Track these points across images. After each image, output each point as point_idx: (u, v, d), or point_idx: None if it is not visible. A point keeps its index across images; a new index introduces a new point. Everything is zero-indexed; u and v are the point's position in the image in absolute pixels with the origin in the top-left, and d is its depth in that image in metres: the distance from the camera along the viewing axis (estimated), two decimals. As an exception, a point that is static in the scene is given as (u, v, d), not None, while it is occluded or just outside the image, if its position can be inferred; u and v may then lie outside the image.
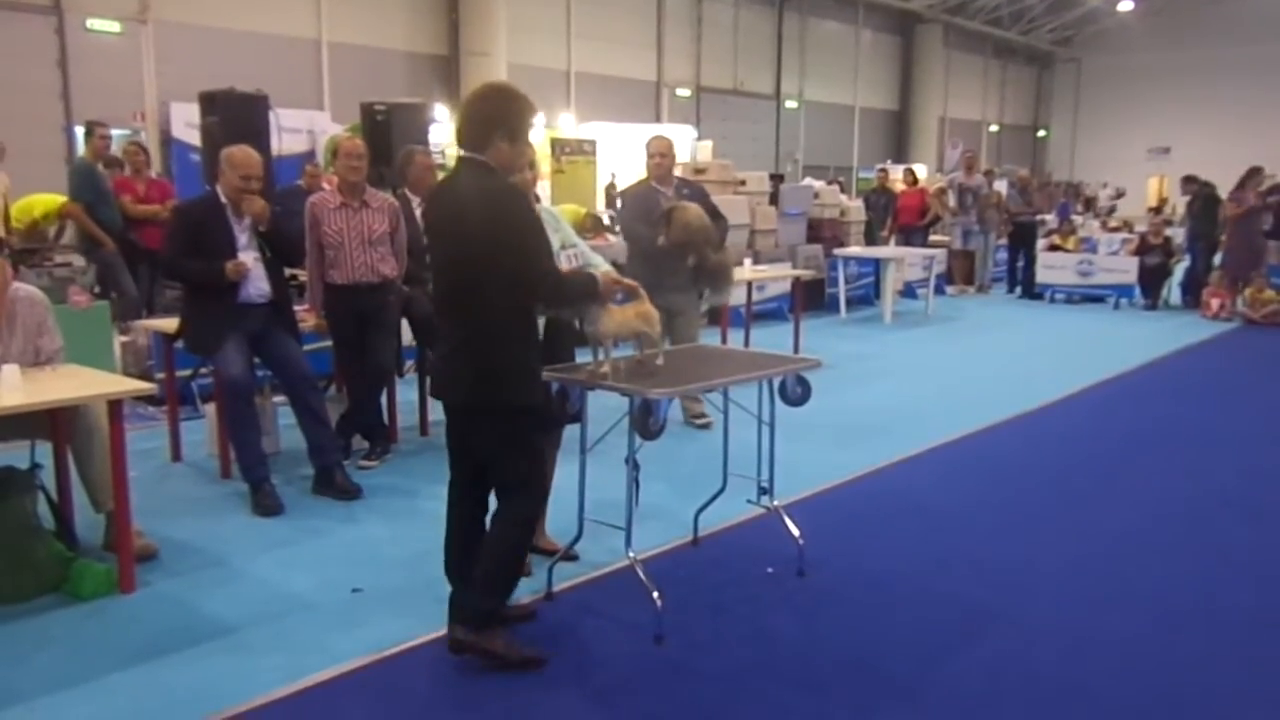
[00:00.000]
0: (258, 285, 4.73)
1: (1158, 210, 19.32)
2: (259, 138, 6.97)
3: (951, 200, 13.72)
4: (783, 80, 26.74)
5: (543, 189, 12.68)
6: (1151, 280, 12.31)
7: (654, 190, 6.00)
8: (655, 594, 3.39)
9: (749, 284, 8.69)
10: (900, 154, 29.37)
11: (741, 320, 8.73)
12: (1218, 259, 12.16)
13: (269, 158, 6.83)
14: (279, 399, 5.42)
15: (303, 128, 11.20)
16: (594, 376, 3.41)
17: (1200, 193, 12.20)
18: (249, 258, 4.68)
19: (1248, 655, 3.39)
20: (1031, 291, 13.14)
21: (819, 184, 14.19)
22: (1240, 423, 6.81)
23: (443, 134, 12.58)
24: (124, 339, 6.71)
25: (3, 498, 3.68)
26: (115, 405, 3.72)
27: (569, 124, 17.95)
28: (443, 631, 3.38)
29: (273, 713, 2.94)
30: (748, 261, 9.25)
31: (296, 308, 5.17)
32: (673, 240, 5.29)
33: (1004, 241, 13.85)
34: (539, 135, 11.58)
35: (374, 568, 3.98)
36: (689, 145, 16.92)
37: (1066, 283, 12.87)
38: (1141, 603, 3.79)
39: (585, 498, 3.67)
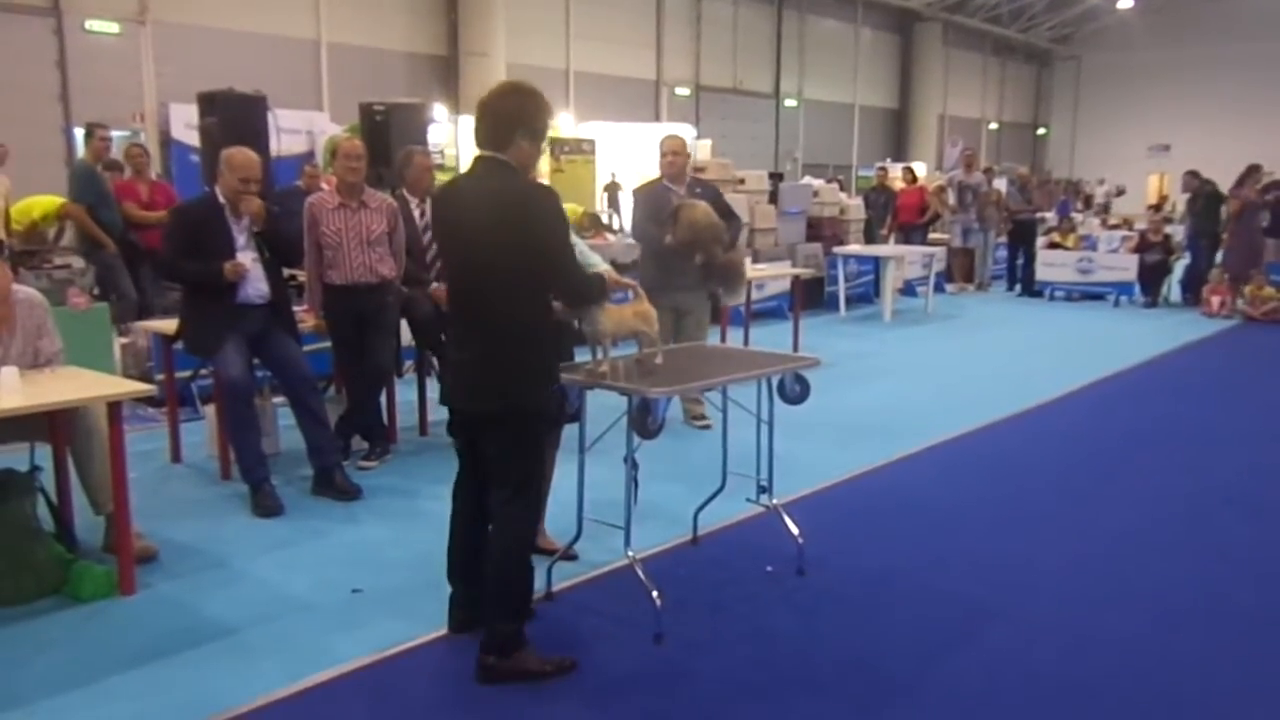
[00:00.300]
0: (256, 286, 4.73)
1: (1158, 208, 19.30)
2: (258, 138, 6.97)
3: (951, 198, 13.72)
4: (782, 79, 26.72)
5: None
6: (1151, 278, 12.31)
7: (666, 189, 5.99)
8: (654, 593, 3.39)
9: (748, 282, 8.68)
10: (900, 152, 29.36)
11: (741, 319, 8.73)
12: (1219, 256, 12.15)
13: (268, 158, 6.82)
14: (278, 400, 5.42)
15: (301, 128, 11.19)
16: (593, 375, 3.41)
17: (1203, 190, 12.19)
18: (247, 258, 4.68)
19: (1248, 653, 3.40)
20: (1031, 289, 13.13)
21: (818, 182, 14.19)
22: (1241, 420, 6.81)
23: (441, 134, 12.59)
24: (123, 340, 6.71)
25: (2, 500, 3.68)
26: (115, 407, 3.73)
27: (568, 123, 17.95)
28: (444, 631, 3.39)
29: (273, 714, 2.94)
30: (747, 260, 9.24)
31: (295, 308, 5.17)
32: (679, 239, 5.28)
33: (1003, 239, 13.85)
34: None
35: (374, 568, 3.98)
36: (689, 144, 16.90)
37: (1066, 280, 12.87)
38: (1141, 601, 3.79)
39: (584, 497, 3.68)
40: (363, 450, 5.37)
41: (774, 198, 11.95)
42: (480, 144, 3.08)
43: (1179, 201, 17.61)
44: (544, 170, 14.00)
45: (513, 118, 3.05)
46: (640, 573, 3.44)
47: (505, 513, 3.12)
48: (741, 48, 25.35)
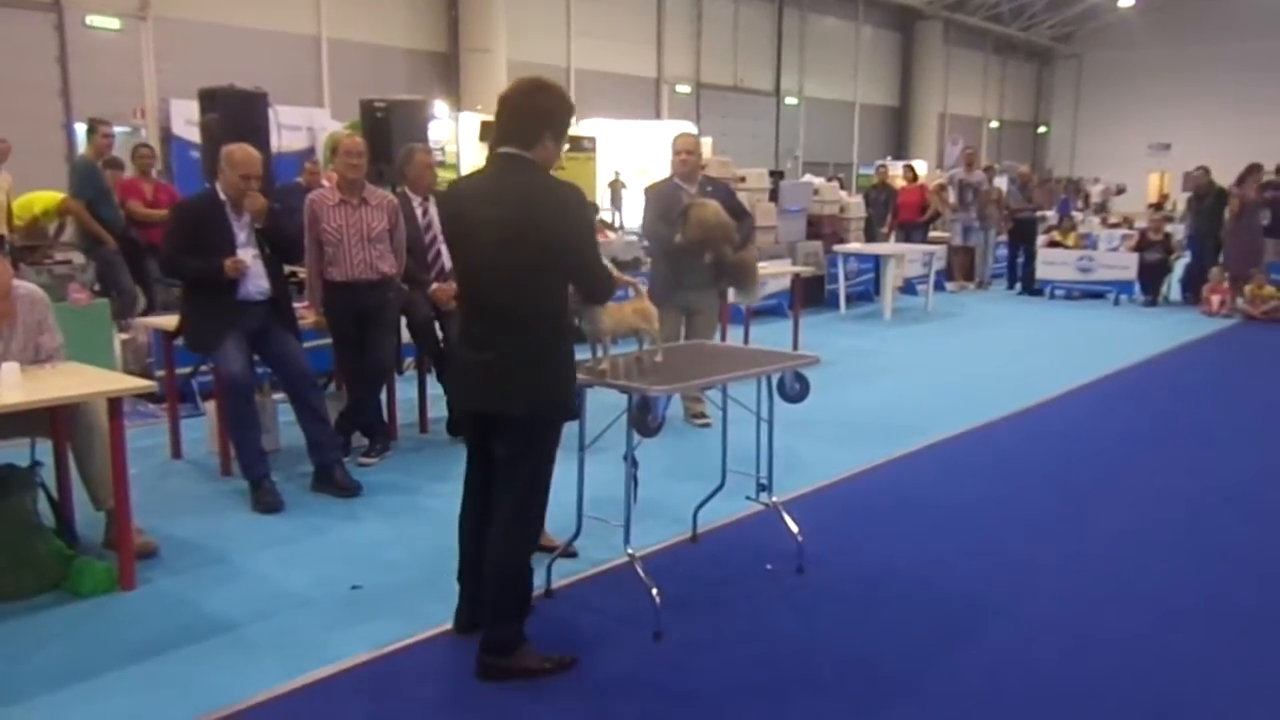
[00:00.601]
0: (257, 283, 4.73)
1: (1158, 206, 19.28)
2: (258, 135, 6.96)
3: (951, 196, 13.72)
4: (782, 76, 26.71)
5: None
6: (1151, 276, 12.31)
7: (677, 188, 5.97)
8: (654, 591, 3.40)
9: (761, 281, 8.68)
10: (900, 150, 29.35)
11: (741, 317, 8.73)
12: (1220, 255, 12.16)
13: (268, 155, 6.82)
14: (279, 396, 5.42)
15: (302, 125, 11.18)
16: (593, 373, 3.41)
17: (1211, 188, 12.16)
18: (248, 255, 4.68)
19: (1248, 653, 3.40)
20: (1031, 288, 13.13)
21: (819, 180, 14.18)
22: (1241, 419, 6.81)
23: (442, 131, 12.57)
24: (124, 336, 6.71)
25: (3, 495, 3.68)
26: (115, 403, 3.73)
27: (568, 121, 17.91)
28: (443, 628, 3.40)
29: (272, 710, 2.95)
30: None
31: (296, 305, 5.18)
32: (689, 238, 5.27)
33: (1004, 238, 13.85)
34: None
35: (373, 565, 3.99)
36: (701, 143, 16.92)
37: (1066, 279, 12.87)
38: (1142, 600, 3.79)
39: (584, 494, 3.68)
40: (363, 447, 5.37)
41: (774, 196, 11.94)
42: (503, 140, 3.00)
43: (1179, 200, 17.61)
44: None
45: (542, 115, 2.99)
46: (640, 570, 3.44)
47: (509, 516, 3.08)
48: (742, 45, 25.34)
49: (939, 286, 12.71)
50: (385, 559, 4.06)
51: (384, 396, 5.60)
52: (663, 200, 5.92)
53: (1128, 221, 19.16)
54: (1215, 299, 11.54)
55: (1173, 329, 10.44)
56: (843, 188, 15.18)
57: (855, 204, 13.80)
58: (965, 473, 5.41)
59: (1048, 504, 4.91)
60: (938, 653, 3.35)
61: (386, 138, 7.83)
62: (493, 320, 2.99)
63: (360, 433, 5.42)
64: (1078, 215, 18.58)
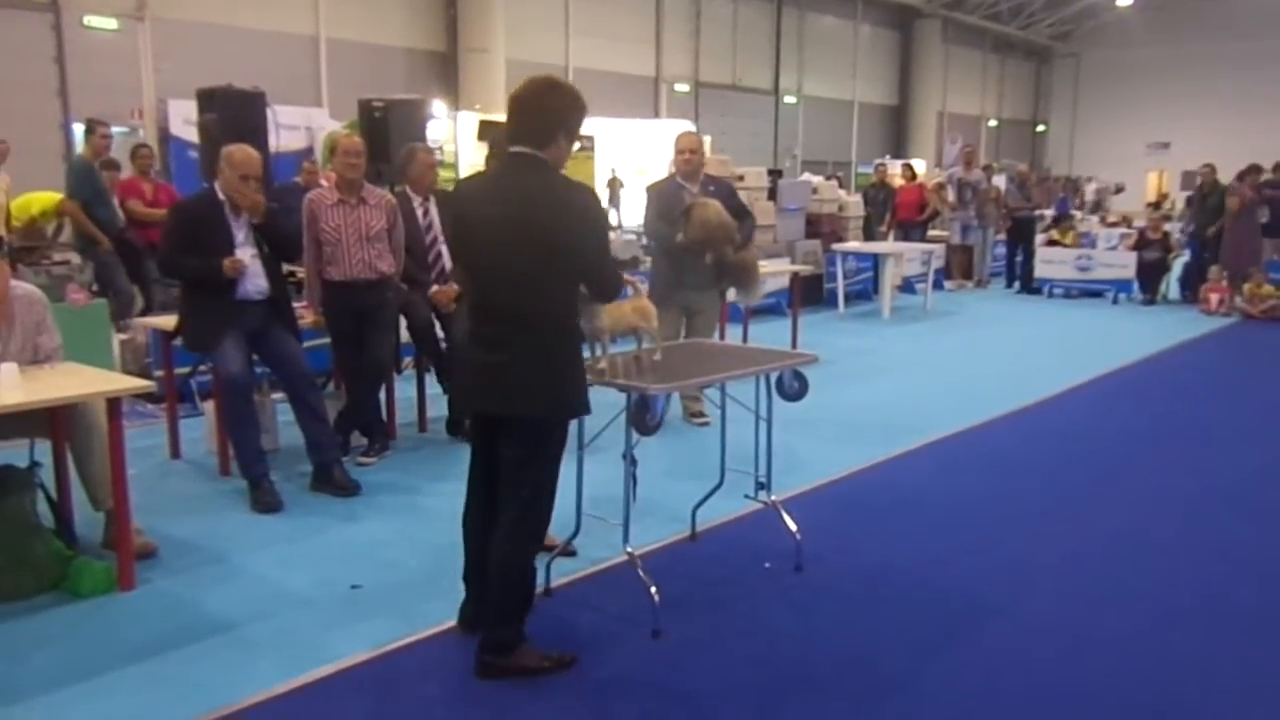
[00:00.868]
0: (255, 282, 4.73)
1: (1157, 205, 19.30)
2: (257, 134, 6.96)
3: (950, 195, 13.72)
4: (781, 75, 26.70)
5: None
6: (1150, 275, 12.32)
7: (679, 186, 5.96)
8: (653, 589, 3.40)
9: (762, 280, 8.68)
10: (899, 149, 29.35)
11: (740, 315, 8.72)
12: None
13: (267, 155, 6.81)
14: (277, 396, 5.42)
15: (300, 124, 11.20)
16: (592, 372, 3.40)
17: (1216, 186, 12.16)
18: (246, 255, 4.67)
19: (1247, 652, 3.40)
20: (1030, 286, 13.14)
21: (817, 179, 14.18)
22: (1239, 418, 6.82)
23: (441, 131, 12.58)
24: (122, 337, 6.71)
25: (2, 496, 3.68)
26: (114, 403, 3.73)
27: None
28: (443, 627, 3.40)
29: (272, 709, 2.95)
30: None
31: (294, 304, 5.17)
32: (691, 238, 5.27)
33: (1002, 236, 13.85)
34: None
35: (373, 564, 3.99)
36: (704, 142, 16.92)
37: (1065, 278, 12.88)
38: (1140, 599, 3.80)
39: (583, 493, 3.68)
40: (362, 446, 5.37)
41: (773, 194, 11.94)
42: (515, 140, 2.98)
43: (1178, 199, 17.61)
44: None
45: (556, 116, 2.98)
46: (639, 569, 3.45)
47: (516, 516, 3.07)
48: (741, 44, 25.33)
49: (938, 285, 12.72)
50: (384, 558, 4.06)
51: (383, 396, 5.60)
52: (664, 199, 5.91)
53: (1126, 220, 19.17)
54: (1214, 298, 11.55)
55: (1171, 328, 10.44)
56: (841, 186, 15.19)
57: (854, 203, 13.81)
58: (964, 471, 5.42)
59: (1046, 503, 4.92)
60: (936, 651, 3.35)
61: (385, 137, 7.82)
62: (505, 321, 2.96)
63: (359, 432, 5.42)
64: (1076, 214, 18.59)
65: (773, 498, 4.02)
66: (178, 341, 5.09)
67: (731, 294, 6.25)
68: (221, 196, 4.68)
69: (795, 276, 9.19)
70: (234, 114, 7.28)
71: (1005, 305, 12.34)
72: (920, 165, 18.64)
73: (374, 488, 4.89)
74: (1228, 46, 32.38)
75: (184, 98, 10.21)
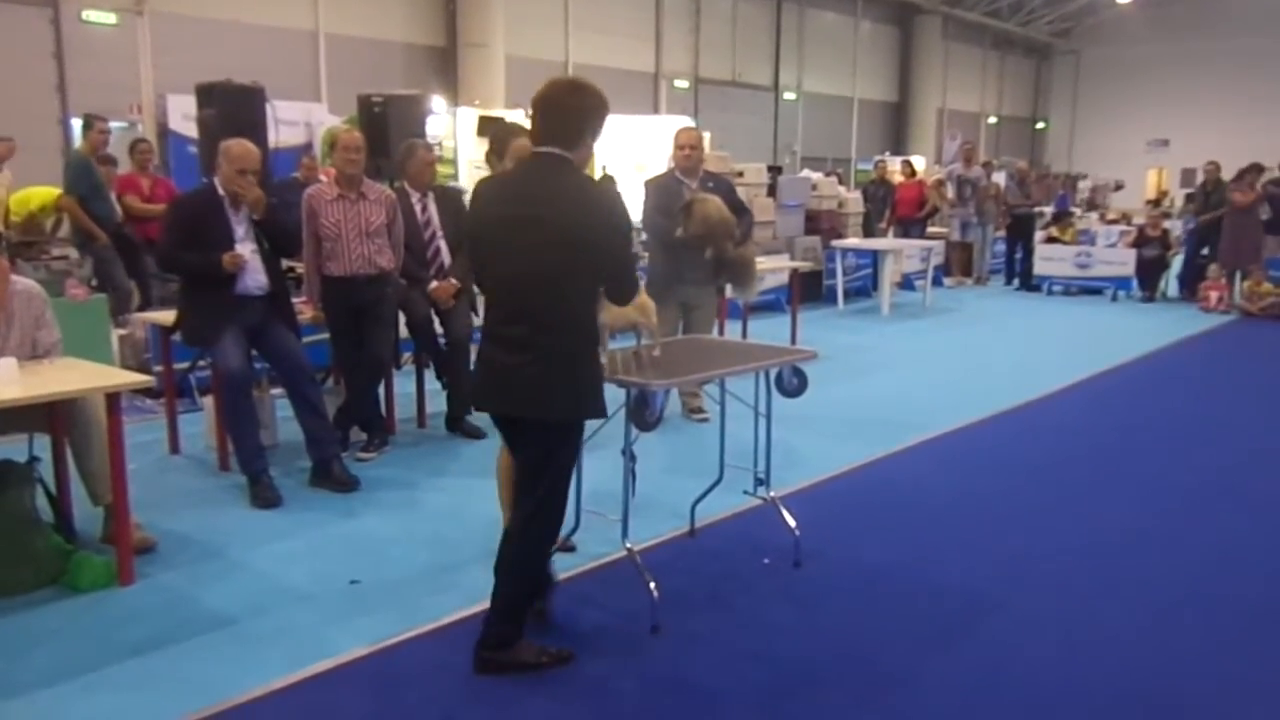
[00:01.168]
0: (255, 277, 4.72)
1: (1156, 203, 19.28)
2: (256, 130, 6.96)
3: (950, 192, 13.71)
4: (781, 72, 26.67)
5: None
6: (1149, 272, 12.32)
7: (678, 182, 5.96)
8: (652, 584, 3.40)
9: (759, 277, 8.68)
10: (898, 146, 29.32)
11: (739, 312, 8.72)
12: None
13: (266, 150, 6.82)
14: (277, 391, 5.41)
15: (300, 119, 11.18)
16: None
17: (1220, 184, 12.13)
18: (246, 250, 4.67)
19: (1248, 646, 3.41)
20: (1029, 283, 13.14)
21: (817, 175, 14.18)
22: (1238, 415, 6.83)
23: (440, 126, 12.54)
24: (121, 332, 6.71)
25: (1, 490, 3.68)
26: (113, 398, 3.73)
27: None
28: (442, 622, 3.41)
29: (271, 704, 2.95)
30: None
31: (293, 299, 5.17)
32: (692, 233, 5.27)
33: (1002, 233, 13.85)
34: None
35: (372, 559, 3.99)
36: (704, 138, 16.91)
37: (1064, 275, 12.88)
38: (1140, 594, 3.80)
39: (582, 489, 3.67)
40: (361, 442, 5.37)
41: (772, 191, 11.94)
42: (542, 140, 2.98)
43: (1178, 196, 17.60)
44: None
45: (584, 115, 3.00)
46: (638, 564, 3.45)
47: (530, 514, 3.06)
48: (740, 40, 25.29)
49: (937, 282, 12.72)
50: (384, 554, 4.06)
51: (382, 391, 5.60)
52: (663, 194, 5.91)
53: (1126, 218, 19.17)
54: (1213, 295, 11.55)
55: (1170, 325, 10.45)
56: (841, 183, 15.19)
57: (853, 199, 13.81)
58: (963, 467, 5.42)
59: (1045, 499, 4.92)
60: (935, 646, 3.35)
61: (384, 132, 7.83)
62: (530, 322, 2.93)
63: (358, 428, 5.42)
64: (1075, 211, 18.59)
65: (772, 494, 4.03)
66: (177, 337, 5.08)
67: (728, 290, 6.26)
68: (221, 192, 4.68)
69: (795, 273, 9.20)
70: (233, 109, 7.29)
71: (1004, 302, 12.34)
72: (920, 162, 18.64)
73: (373, 483, 4.89)
74: (1228, 44, 32.35)
75: (183, 93, 10.19)
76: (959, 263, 13.80)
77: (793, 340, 8.35)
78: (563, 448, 3.05)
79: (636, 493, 3.55)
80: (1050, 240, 13.63)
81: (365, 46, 16.96)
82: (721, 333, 7.41)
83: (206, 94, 7.70)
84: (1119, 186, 28.67)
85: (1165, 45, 33.67)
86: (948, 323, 10.59)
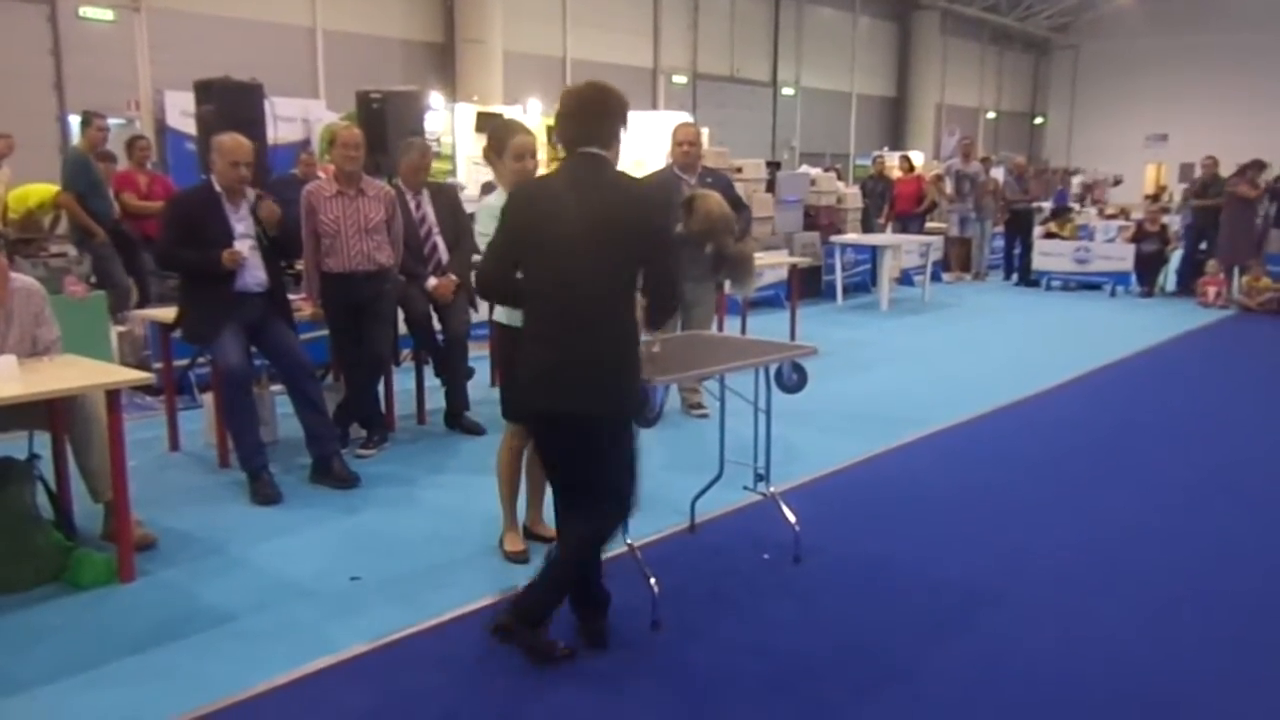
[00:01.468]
0: (254, 274, 4.72)
1: (1155, 198, 19.26)
2: (254, 126, 6.97)
3: (948, 187, 13.71)
4: (779, 67, 26.65)
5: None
6: (1148, 268, 12.32)
7: (676, 177, 5.95)
8: (652, 580, 3.41)
9: (758, 273, 8.68)
10: (897, 141, 29.31)
11: (738, 308, 8.72)
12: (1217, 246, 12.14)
13: (264, 146, 6.82)
14: (276, 388, 5.41)
15: (298, 116, 11.16)
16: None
17: (1217, 180, 12.11)
18: (245, 246, 4.67)
19: (1245, 642, 3.41)
20: (1028, 279, 13.14)
21: (815, 171, 14.18)
22: (1237, 409, 6.83)
23: (438, 122, 12.54)
24: (120, 329, 6.70)
25: (1, 487, 3.68)
26: (113, 395, 3.73)
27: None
28: (444, 618, 3.41)
29: (272, 700, 2.96)
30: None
31: (292, 296, 5.17)
32: (693, 229, 5.27)
33: (1000, 229, 13.86)
34: (536, 123, 11.56)
35: (372, 556, 3.99)
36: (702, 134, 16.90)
37: (1063, 270, 12.88)
38: (1138, 588, 3.81)
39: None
40: (361, 438, 5.37)
41: (771, 186, 11.94)
42: (578, 141, 3.02)
43: (1176, 192, 17.57)
44: (543, 159, 13.96)
45: (615, 116, 3.07)
46: (638, 560, 3.45)
47: (599, 510, 3.12)
48: (739, 36, 25.27)
49: (936, 277, 12.72)
50: (384, 550, 4.06)
51: (381, 388, 5.60)
52: (661, 190, 5.90)
53: (1124, 213, 19.17)
54: (1211, 290, 11.55)
55: (1169, 320, 10.45)
56: (840, 178, 15.19)
57: (852, 195, 13.81)
58: (962, 463, 5.43)
59: (1044, 494, 4.93)
60: (934, 641, 3.36)
61: (382, 129, 7.83)
62: (577, 321, 2.95)
63: (358, 424, 5.42)
64: (1074, 206, 18.59)
65: (771, 489, 4.03)
66: (176, 334, 5.08)
67: (727, 286, 6.25)
68: (219, 188, 4.68)
69: (793, 269, 9.19)
70: (231, 106, 7.29)
71: (1003, 297, 12.34)
72: (918, 157, 18.62)
73: (373, 479, 4.89)
74: (1227, 38, 32.34)
75: (181, 89, 10.18)
76: (958, 258, 13.80)
77: (792, 336, 8.35)
78: (625, 432, 3.10)
79: (636, 489, 3.55)
80: (1049, 235, 13.63)
81: (363, 43, 16.95)
82: (721, 328, 7.41)
83: (204, 90, 7.71)
84: (1117, 181, 28.68)
85: (1164, 40, 33.66)
86: (946, 318, 10.59)
